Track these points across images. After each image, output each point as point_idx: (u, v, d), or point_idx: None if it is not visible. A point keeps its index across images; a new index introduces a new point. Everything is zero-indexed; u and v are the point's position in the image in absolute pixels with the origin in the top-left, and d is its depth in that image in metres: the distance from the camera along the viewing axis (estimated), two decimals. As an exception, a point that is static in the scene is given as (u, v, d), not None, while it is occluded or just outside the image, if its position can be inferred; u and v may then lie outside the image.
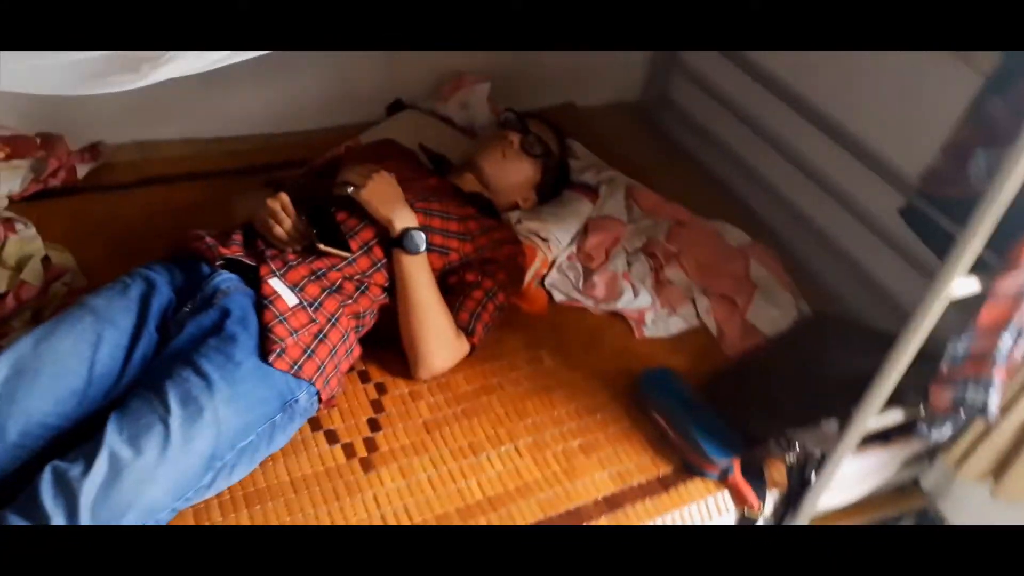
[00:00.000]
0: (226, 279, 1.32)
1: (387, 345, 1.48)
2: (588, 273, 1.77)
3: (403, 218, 1.42)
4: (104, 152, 1.83)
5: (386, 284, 1.44)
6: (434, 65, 2.18)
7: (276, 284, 1.31)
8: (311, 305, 1.33)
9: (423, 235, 1.42)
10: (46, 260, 1.54)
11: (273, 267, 1.33)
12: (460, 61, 2.18)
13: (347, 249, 1.39)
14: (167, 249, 1.39)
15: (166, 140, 1.95)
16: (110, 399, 1.21)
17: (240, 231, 1.42)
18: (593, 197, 1.92)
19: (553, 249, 1.78)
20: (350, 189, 1.43)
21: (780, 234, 2.04)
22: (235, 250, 1.36)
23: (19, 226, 1.59)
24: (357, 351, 1.42)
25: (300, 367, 1.27)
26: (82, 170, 1.77)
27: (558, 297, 1.74)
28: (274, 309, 1.28)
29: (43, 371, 1.17)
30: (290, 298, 1.31)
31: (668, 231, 1.90)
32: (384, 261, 1.43)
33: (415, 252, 1.41)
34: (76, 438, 1.15)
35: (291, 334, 1.27)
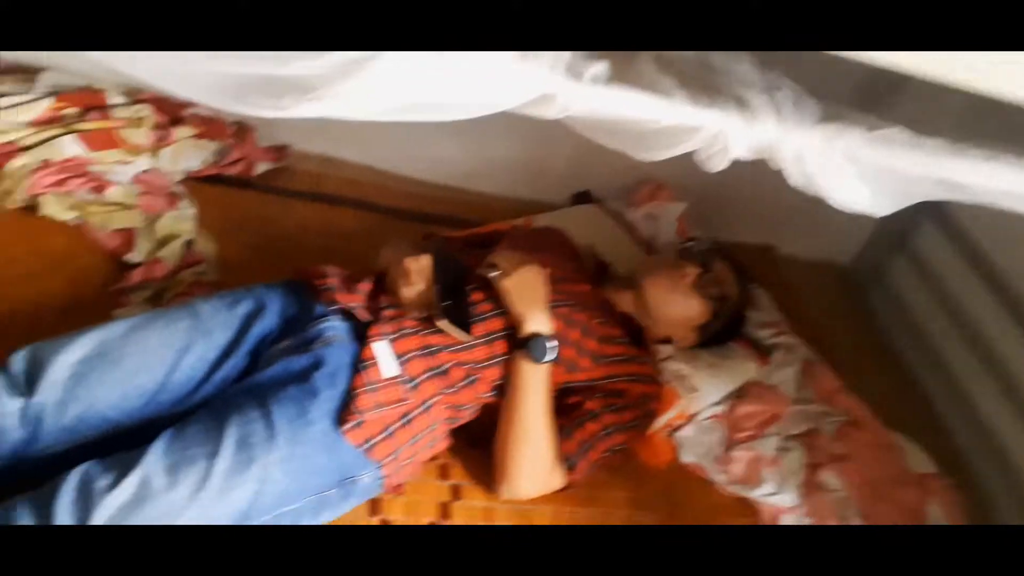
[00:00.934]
0: (334, 327, 1.21)
1: (483, 445, 1.32)
2: (730, 444, 1.53)
3: (537, 320, 1.26)
4: (288, 156, 1.83)
5: (498, 382, 1.28)
6: (637, 166, 2.04)
7: (380, 349, 1.19)
8: (409, 382, 1.19)
9: (554, 345, 1.26)
10: (190, 244, 1.52)
11: (385, 329, 1.21)
12: (665, 171, 2.02)
13: (467, 332, 1.25)
14: (295, 273, 1.32)
15: (351, 162, 1.93)
16: (177, 410, 1.13)
17: (372, 279, 1.32)
18: (763, 359, 1.67)
19: (697, 402, 1.55)
20: (494, 273, 1.30)
21: (974, 469, 1.69)
22: (354, 299, 1.25)
23: (182, 203, 1.59)
24: (444, 444, 1.26)
25: (373, 446, 1.14)
26: (260, 167, 1.76)
27: (686, 458, 1.51)
28: (368, 375, 1.16)
29: (122, 363, 1.11)
30: (389, 368, 1.18)
31: (839, 427, 1.61)
32: (503, 357, 1.28)
33: (537, 361, 1.25)
34: (129, 438, 1.08)
35: (375, 408, 1.14)
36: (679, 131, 0.94)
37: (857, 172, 1.00)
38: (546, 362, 1.26)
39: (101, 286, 1.40)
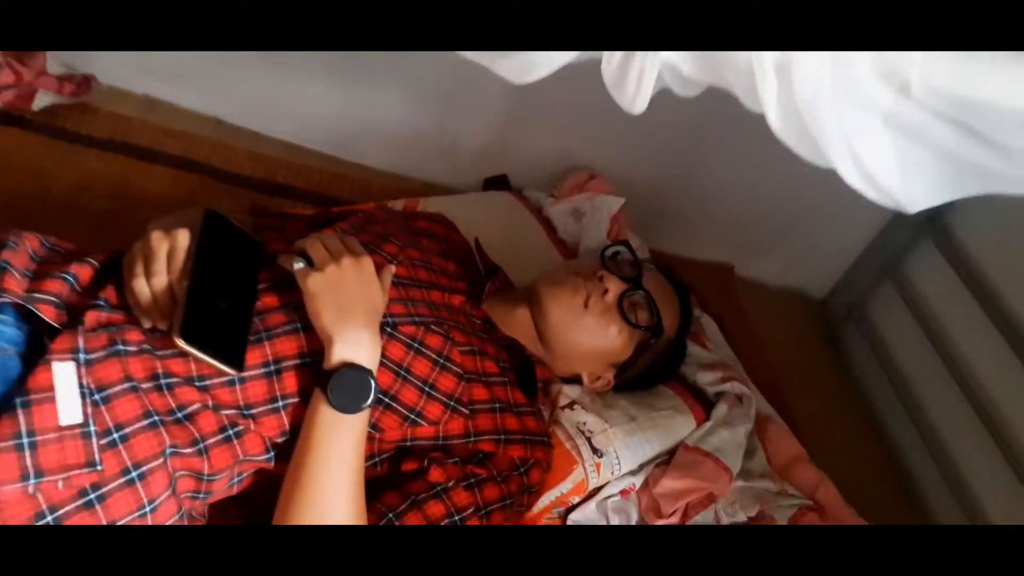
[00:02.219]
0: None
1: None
2: (644, 532, 1.08)
3: (354, 344, 0.81)
4: (91, 91, 1.35)
5: (279, 438, 0.82)
6: (572, 152, 1.60)
7: (63, 375, 0.72)
8: (105, 436, 0.72)
9: (370, 384, 0.80)
10: None
11: (83, 342, 0.74)
12: (605, 161, 1.58)
13: (235, 363, 0.78)
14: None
15: (186, 109, 1.46)
16: None
17: (100, 261, 0.85)
18: (701, 414, 1.22)
19: (604, 471, 1.10)
20: (299, 264, 0.84)
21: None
22: (45, 288, 0.78)
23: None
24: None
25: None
26: (43, 100, 1.28)
27: (581, 550, 1.05)
28: (28, 418, 0.69)
29: None
30: (71, 409, 0.71)
31: (795, 515, 1.17)
32: (294, 400, 0.82)
33: (344, 409, 0.79)
34: None
35: (34, 477, 0.67)
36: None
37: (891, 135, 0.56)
38: (360, 409, 0.80)
39: None
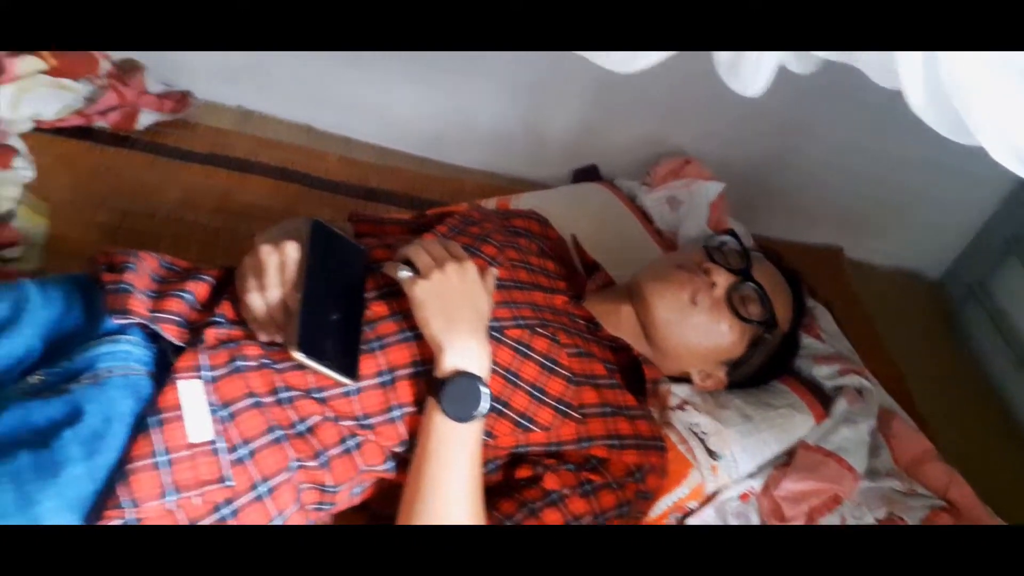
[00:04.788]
0: (122, 353, 0.75)
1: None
2: (766, 536, 1.03)
3: (464, 352, 0.79)
4: (189, 106, 1.38)
5: (398, 447, 0.82)
6: (660, 139, 1.55)
7: (190, 393, 0.72)
8: (234, 451, 0.73)
9: (485, 393, 0.78)
10: (7, 217, 1.08)
11: (206, 359, 0.75)
12: (698, 146, 1.53)
13: (350, 373, 0.78)
14: (88, 263, 0.87)
15: (277, 118, 1.47)
16: None
17: (215, 278, 0.86)
18: (821, 411, 1.16)
19: (721, 474, 1.06)
20: (404, 273, 0.83)
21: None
22: (167, 307, 0.79)
23: (17, 162, 1.15)
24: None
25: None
26: (146, 119, 1.32)
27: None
28: (161, 437, 0.70)
29: None
30: (201, 427, 0.72)
31: (928, 515, 1.10)
32: (409, 410, 0.81)
33: (458, 416, 0.78)
34: None
35: (167, 495, 0.68)
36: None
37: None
38: (474, 418, 0.79)
39: None
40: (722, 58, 0.52)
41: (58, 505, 0.65)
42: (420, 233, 1.10)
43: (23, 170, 1.15)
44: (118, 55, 1.34)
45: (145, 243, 1.15)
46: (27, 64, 1.20)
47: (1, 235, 1.05)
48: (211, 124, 1.39)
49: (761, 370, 1.11)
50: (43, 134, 1.25)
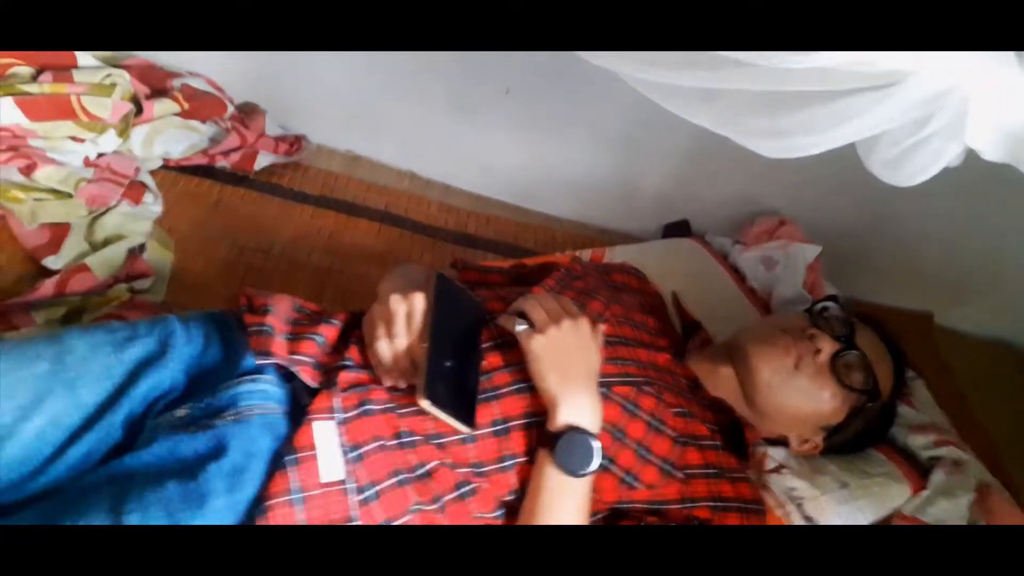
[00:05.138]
0: (262, 392, 0.80)
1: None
2: (860, 607, 1.02)
3: (578, 407, 0.82)
4: (303, 150, 1.45)
5: (508, 496, 0.84)
6: (752, 197, 1.56)
7: (323, 434, 0.77)
8: (361, 492, 0.76)
9: (598, 448, 0.81)
10: (137, 250, 1.16)
11: (339, 401, 0.79)
12: (792, 207, 1.54)
13: (468, 421, 0.81)
14: (229, 302, 0.92)
15: (383, 164, 1.54)
16: (2, 501, 0.74)
17: (343, 322, 0.90)
18: (918, 482, 1.15)
19: (816, 539, 1.05)
20: (521, 327, 0.86)
21: None
22: (302, 350, 0.83)
23: (148, 198, 1.23)
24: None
25: (286, 594, 0.71)
26: (263, 160, 1.39)
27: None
28: (296, 475, 0.74)
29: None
30: (333, 467, 0.75)
31: (1030, 597, 1.07)
32: (521, 460, 0.84)
33: (571, 471, 0.80)
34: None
35: (299, 530, 0.72)
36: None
37: None
38: (586, 473, 0.81)
39: (4, 297, 1.04)
40: (884, 152, 0.53)
41: (202, 535, 0.69)
42: (521, 283, 1.14)
43: (152, 206, 1.23)
44: (240, 99, 1.42)
45: (261, 278, 1.21)
46: (163, 107, 1.28)
47: (135, 267, 1.12)
48: (322, 167, 1.46)
49: (858, 437, 1.10)
50: (169, 171, 1.33)
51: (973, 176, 1.23)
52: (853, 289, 1.54)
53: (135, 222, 1.18)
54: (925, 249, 1.58)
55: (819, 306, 1.08)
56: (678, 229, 1.57)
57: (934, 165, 0.52)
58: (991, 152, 0.50)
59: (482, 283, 1.17)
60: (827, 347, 1.01)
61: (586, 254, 1.40)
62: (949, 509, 1.11)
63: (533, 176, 1.57)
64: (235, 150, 1.36)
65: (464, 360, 0.86)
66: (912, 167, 0.53)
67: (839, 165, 1.36)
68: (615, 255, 1.41)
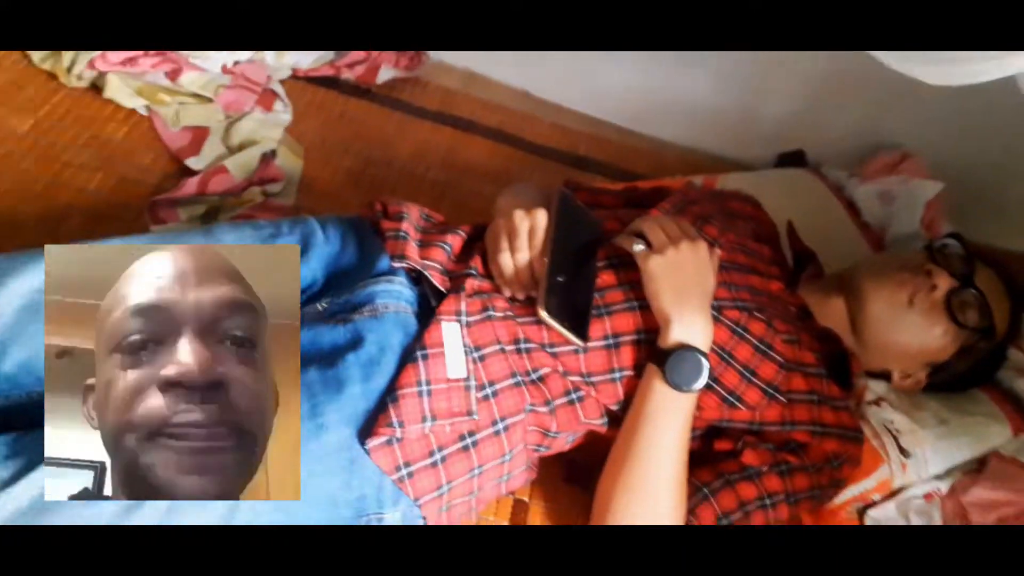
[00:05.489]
0: (394, 292, 0.86)
1: (584, 484, 0.94)
2: (950, 541, 1.03)
3: (690, 326, 0.85)
4: (422, 65, 1.49)
5: (615, 406, 0.89)
6: (875, 130, 1.51)
7: (451, 334, 0.82)
8: (481, 390, 0.82)
9: (706, 366, 0.84)
10: (269, 155, 1.23)
11: (464, 305, 0.85)
12: (918, 141, 1.48)
13: (581, 334, 0.85)
14: (364, 209, 0.98)
15: (498, 82, 1.56)
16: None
17: (467, 233, 0.95)
18: (1020, 424, 1.14)
19: (910, 471, 1.07)
20: (639, 246, 0.89)
21: None
22: (432, 256, 0.89)
23: (278, 106, 1.30)
24: (523, 480, 0.89)
25: (410, 475, 0.78)
26: (384, 74, 1.44)
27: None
28: (424, 369, 0.80)
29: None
30: (457, 365, 0.81)
31: None
32: (628, 373, 0.88)
33: (680, 386, 0.84)
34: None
35: (425, 420, 0.79)
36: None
37: None
38: (693, 390, 0.84)
39: (152, 193, 1.14)
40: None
41: (339, 419, 0.77)
42: (634, 206, 1.16)
43: (283, 114, 1.30)
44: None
45: (384, 191, 1.27)
46: (294, 18, 1.33)
47: (267, 171, 1.20)
48: (440, 83, 1.49)
49: (963, 376, 1.10)
50: (297, 81, 1.39)
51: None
52: (976, 231, 1.47)
53: (267, 128, 1.25)
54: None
55: (939, 243, 1.07)
56: (792, 159, 1.54)
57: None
58: None
59: (595, 204, 1.19)
60: (944, 284, 1.00)
61: (698, 180, 1.40)
62: (1051, 453, 1.11)
63: (646, 99, 1.56)
64: (359, 63, 1.41)
65: (581, 276, 0.89)
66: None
67: (973, 102, 1.30)
68: (727, 182, 1.40)
